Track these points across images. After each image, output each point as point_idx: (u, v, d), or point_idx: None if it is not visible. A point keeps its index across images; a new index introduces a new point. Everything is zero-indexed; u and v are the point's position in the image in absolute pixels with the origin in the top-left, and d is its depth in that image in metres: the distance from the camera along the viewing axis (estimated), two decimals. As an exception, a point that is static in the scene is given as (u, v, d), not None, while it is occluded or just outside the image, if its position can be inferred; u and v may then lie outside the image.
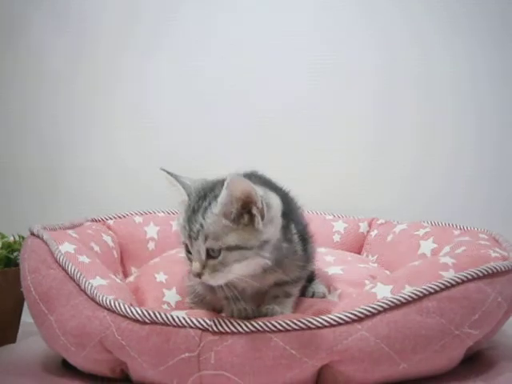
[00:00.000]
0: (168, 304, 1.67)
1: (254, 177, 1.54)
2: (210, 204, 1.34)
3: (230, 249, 1.32)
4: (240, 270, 1.34)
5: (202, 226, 1.32)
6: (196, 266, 1.33)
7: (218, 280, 1.34)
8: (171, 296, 1.69)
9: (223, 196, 1.30)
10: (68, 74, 2.41)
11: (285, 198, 1.50)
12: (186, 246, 1.37)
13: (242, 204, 1.31)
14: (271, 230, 1.35)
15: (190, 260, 1.36)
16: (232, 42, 2.36)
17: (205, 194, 1.37)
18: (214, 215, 1.32)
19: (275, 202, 1.37)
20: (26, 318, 1.70)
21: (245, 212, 1.32)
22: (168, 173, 1.44)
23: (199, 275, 1.34)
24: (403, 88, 2.32)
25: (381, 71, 2.31)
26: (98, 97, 2.41)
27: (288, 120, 2.33)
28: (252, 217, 1.32)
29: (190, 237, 1.34)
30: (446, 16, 2.27)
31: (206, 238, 1.32)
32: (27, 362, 1.65)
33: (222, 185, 1.32)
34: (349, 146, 2.33)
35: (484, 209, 2.25)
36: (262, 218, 1.32)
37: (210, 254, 1.33)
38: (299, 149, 2.34)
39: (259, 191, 1.31)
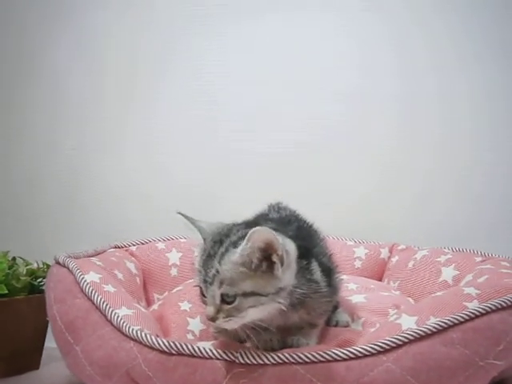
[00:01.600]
0: (192, 333, 1.67)
1: (278, 210, 1.55)
2: (226, 250, 1.34)
3: (245, 295, 1.32)
4: (255, 315, 1.35)
5: (217, 271, 1.33)
6: (210, 310, 1.34)
7: (232, 325, 1.35)
8: (195, 325, 1.69)
9: (244, 247, 1.31)
10: (82, 101, 2.46)
11: (308, 230, 1.51)
12: (201, 289, 1.38)
13: (263, 253, 1.32)
14: (288, 276, 1.36)
15: (205, 303, 1.37)
16: (248, 68, 2.39)
17: (220, 240, 1.37)
18: (231, 263, 1.32)
19: (292, 247, 1.38)
20: (50, 343, 1.72)
21: (264, 259, 1.33)
22: (184, 216, 1.46)
23: (213, 319, 1.34)
24: (421, 112, 2.32)
25: (400, 98, 2.32)
26: (111, 123, 2.46)
27: (306, 146, 2.35)
28: (271, 264, 1.33)
29: (205, 281, 1.35)
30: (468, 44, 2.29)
31: (221, 284, 1.33)
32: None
33: (238, 230, 1.35)
34: (367, 170, 2.34)
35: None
36: (282, 264, 1.33)
37: (225, 300, 1.33)
38: (315, 173, 2.35)
39: (280, 239, 1.32)
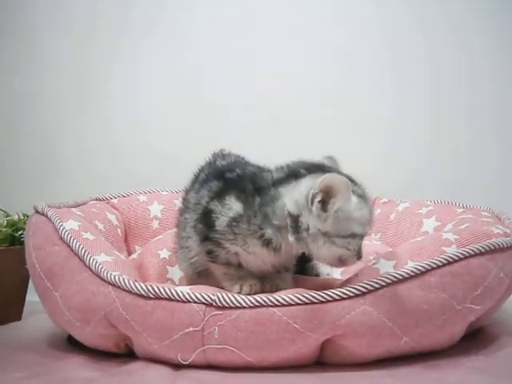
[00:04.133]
0: (171, 280, 1.69)
1: (223, 157, 1.66)
2: None
3: None
4: None
5: None
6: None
7: None
8: (174, 272, 1.71)
9: None
10: (70, 57, 2.43)
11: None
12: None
13: None
14: None
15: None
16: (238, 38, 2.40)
17: None
18: None
19: None
20: (32, 297, 1.72)
21: None
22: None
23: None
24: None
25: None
26: (95, 81, 2.44)
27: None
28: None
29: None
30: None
31: None
32: (32, 338, 1.68)
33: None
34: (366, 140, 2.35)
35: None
36: None
37: None
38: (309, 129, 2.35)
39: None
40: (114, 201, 1.98)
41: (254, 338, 1.33)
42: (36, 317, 1.84)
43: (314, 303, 1.34)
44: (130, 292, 1.39)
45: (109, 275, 1.43)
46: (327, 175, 1.36)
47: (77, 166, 2.40)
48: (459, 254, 1.42)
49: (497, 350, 1.46)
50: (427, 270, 1.40)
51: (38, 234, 1.60)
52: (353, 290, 1.36)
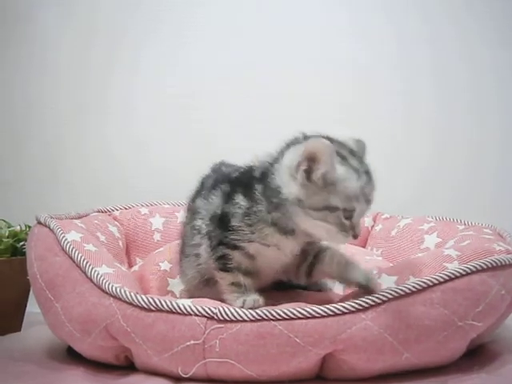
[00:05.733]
0: (172, 293, 1.69)
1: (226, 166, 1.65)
2: None
3: None
4: None
5: None
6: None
7: None
8: (175, 285, 1.70)
9: None
10: (71, 68, 2.43)
11: None
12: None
13: None
14: None
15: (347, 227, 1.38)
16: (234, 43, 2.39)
17: None
18: None
19: None
20: (32, 308, 1.72)
21: None
22: None
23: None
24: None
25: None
26: (97, 86, 2.44)
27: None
28: None
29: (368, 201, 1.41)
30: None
31: None
32: (32, 349, 1.67)
33: None
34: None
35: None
36: None
37: None
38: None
39: None
40: (116, 213, 1.98)
41: (255, 352, 1.32)
42: (36, 328, 1.83)
43: (316, 317, 1.34)
44: (131, 304, 1.39)
45: (110, 287, 1.43)
46: (310, 140, 1.36)
47: (79, 177, 2.39)
48: (461, 271, 1.42)
49: (498, 367, 1.45)
50: (429, 286, 1.39)
51: (39, 244, 1.60)
52: (354, 305, 1.36)
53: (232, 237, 1.44)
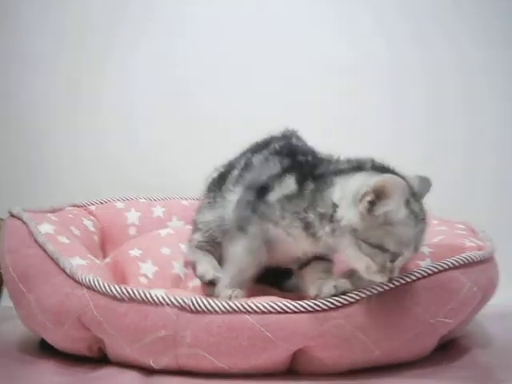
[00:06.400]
0: (145, 276, 1.67)
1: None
2: None
3: None
4: None
5: None
6: None
7: None
8: (147, 268, 1.69)
9: None
10: (51, 60, 2.40)
11: None
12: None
13: None
14: None
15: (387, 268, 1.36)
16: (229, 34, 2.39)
17: None
18: None
19: None
20: (4, 302, 1.72)
21: None
22: None
23: None
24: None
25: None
26: (82, 84, 2.40)
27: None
28: None
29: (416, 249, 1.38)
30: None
31: None
32: (4, 343, 1.66)
33: None
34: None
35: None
36: None
37: None
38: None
39: None
40: (92, 207, 1.97)
41: (226, 344, 1.33)
42: (9, 322, 1.81)
43: (288, 313, 1.34)
44: (104, 294, 1.39)
45: (83, 278, 1.42)
46: (386, 176, 1.31)
47: (54, 171, 2.37)
48: (433, 268, 1.43)
49: (468, 362, 1.48)
50: (402, 284, 1.40)
51: (12, 237, 1.59)
52: (327, 303, 1.36)
53: (264, 209, 1.46)
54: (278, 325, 1.33)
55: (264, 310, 1.34)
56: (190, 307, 1.35)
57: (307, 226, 1.42)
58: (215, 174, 1.73)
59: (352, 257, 1.36)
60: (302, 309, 1.35)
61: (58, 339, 1.48)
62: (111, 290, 1.39)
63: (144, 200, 2.05)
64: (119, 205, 2.00)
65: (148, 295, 1.37)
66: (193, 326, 1.33)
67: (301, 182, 1.44)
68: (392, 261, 1.34)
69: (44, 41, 2.40)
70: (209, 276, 1.55)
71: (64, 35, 2.40)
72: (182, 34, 2.38)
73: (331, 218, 1.37)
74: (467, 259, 1.47)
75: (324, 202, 1.39)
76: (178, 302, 1.35)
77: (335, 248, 1.41)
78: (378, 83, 2.35)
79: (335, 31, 2.38)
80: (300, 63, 2.36)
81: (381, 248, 1.32)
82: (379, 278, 1.35)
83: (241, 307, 1.34)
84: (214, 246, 1.66)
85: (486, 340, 1.62)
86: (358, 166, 1.42)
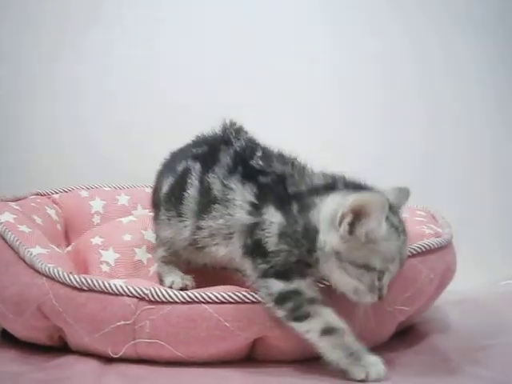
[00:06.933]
0: (107, 263, 1.69)
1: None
2: None
3: None
4: None
5: None
6: None
7: None
8: (109, 255, 1.70)
9: None
10: (12, 46, 2.36)
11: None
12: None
13: None
14: None
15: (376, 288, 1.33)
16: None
17: None
18: None
19: None
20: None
21: None
22: None
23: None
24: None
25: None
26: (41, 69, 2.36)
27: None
28: None
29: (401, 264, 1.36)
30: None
31: None
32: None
33: None
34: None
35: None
36: None
37: None
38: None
39: None
40: (56, 196, 1.96)
41: (185, 334, 1.34)
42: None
43: (246, 303, 1.36)
44: (63, 284, 1.39)
45: (43, 267, 1.42)
46: (362, 194, 1.28)
47: (16, 160, 2.34)
48: (391, 256, 1.44)
49: (426, 347, 1.51)
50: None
51: (-30, 226, 1.58)
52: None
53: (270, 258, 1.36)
54: (236, 315, 1.34)
55: (222, 299, 1.35)
56: (148, 297, 1.35)
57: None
58: (166, 188, 1.58)
59: (339, 281, 1.33)
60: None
61: (18, 328, 1.48)
62: (71, 280, 1.39)
63: (109, 188, 2.04)
64: (83, 193, 2.00)
65: (107, 285, 1.37)
66: (152, 316, 1.34)
67: (283, 208, 1.37)
68: (379, 279, 1.31)
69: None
70: (177, 286, 1.51)
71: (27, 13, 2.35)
72: (134, 22, 2.34)
73: (313, 242, 1.33)
74: (425, 247, 1.49)
75: (310, 226, 1.34)
76: (137, 291, 1.36)
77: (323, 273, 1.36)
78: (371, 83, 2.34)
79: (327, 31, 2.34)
80: (283, 55, 2.32)
81: (367, 268, 1.30)
82: (369, 299, 1.33)
83: (200, 297, 1.35)
84: (177, 257, 1.60)
85: (444, 325, 1.63)
86: (330, 184, 1.38)
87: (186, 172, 1.52)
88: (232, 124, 1.58)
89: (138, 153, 2.24)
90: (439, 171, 2.26)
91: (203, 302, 1.35)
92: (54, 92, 2.34)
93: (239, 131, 1.57)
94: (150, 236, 1.77)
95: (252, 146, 1.52)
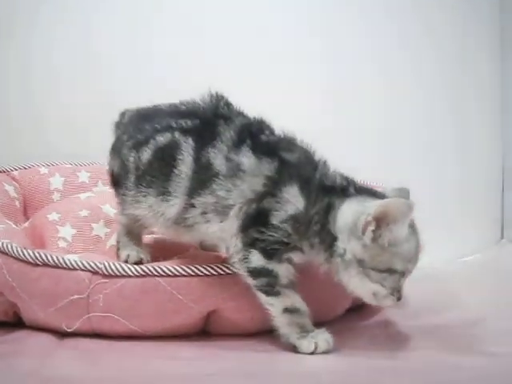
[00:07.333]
0: (64, 239, 1.70)
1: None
2: None
3: None
4: None
5: None
6: None
7: None
8: (66, 231, 1.72)
9: None
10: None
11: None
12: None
13: None
14: None
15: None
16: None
17: None
18: None
19: None
20: None
21: None
22: None
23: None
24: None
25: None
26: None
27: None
28: None
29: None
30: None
31: None
32: None
33: None
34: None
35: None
36: None
37: None
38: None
39: None
40: (15, 173, 1.95)
41: (139, 307, 1.35)
42: None
43: (199, 276, 1.37)
44: (17, 259, 1.39)
45: (-3, 242, 1.42)
46: (385, 201, 1.27)
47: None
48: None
49: (377, 322, 1.55)
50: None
51: None
52: (237, 267, 1.39)
53: (269, 232, 1.33)
54: (189, 288, 1.36)
55: (176, 273, 1.36)
56: (102, 271, 1.36)
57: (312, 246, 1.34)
58: (139, 161, 1.47)
59: (358, 287, 1.31)
60: (214, 272, 1.38)
61: (-27, 304, 1.48)
62: (24, 255, 1.39)
63: (69, 165, 2.04)
64: (43, 170, 1.99)
65: (61, 260, 1.38)
66: (105, 290, 1.35)
67: (307, 195, 1.33)
68: (399, 280, 1.31)
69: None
70: (132, 260, 1.49)
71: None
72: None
73: (329, 251, 1.31)
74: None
75: (325, 227, 1.32)
76: (90, 266, 1.37)
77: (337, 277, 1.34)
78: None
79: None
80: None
81: (390, 271, 1.29)
82: (389, 302, 1.33)
83: (153, 270, 1.36)
84: (139, 228, 1.57)
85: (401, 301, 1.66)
86: (345, 186, 1.35)
87: (173, 147, 1.42)
88: (220, 97, 1.50)
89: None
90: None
91: (156, 276, 1.36)
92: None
93: (229, 105, 1.49)
94: (109, 210, 1.78)
95: (258, 121, 1.45)
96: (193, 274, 1.37)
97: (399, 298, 1.33)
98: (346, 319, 1.52)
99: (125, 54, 2.25)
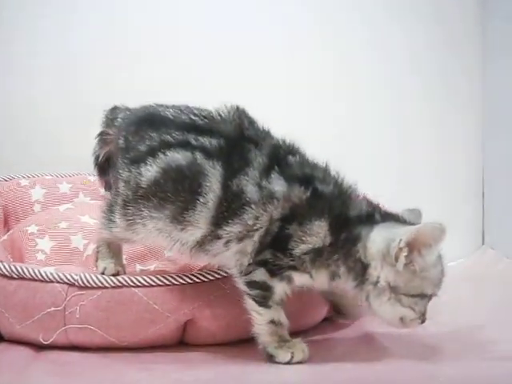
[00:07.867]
0: (42, 251, 1.71)
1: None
2: None
3: None
4: None
5: None
6: None
7: None
8: (44, 243, 1.73)
9: None
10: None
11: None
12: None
13: None
14: None
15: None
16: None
17: None
18: None
19: None
20: None
21: None
22: None
23: None
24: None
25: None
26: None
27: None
28: None
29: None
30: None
31: None
32: None
33: None
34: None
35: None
36: None
37: None
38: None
39: None
40: (-5, 185, 1.96)
41: (115, 318, 1.36)
42: None
43: (175, 285, 1.38)
44: (-7, 272, 1.40)
45: (-27, 256, 1.43)
46: (416, 227, 1.26)
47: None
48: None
49: (353, 330, 1.56)
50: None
51: None
52: (213, 274, 1.40)
53: (288, 261, 1.30)
54: (165, 297, 1.37)
55: (151, 283, 1.37)
56: (78, 283, 1.37)
57: (333, 275, 1.32)
58: (150, 173, 1.36)
59: (387, 312, 1.31)
60: (190, 281, 1.39)
61: (-51, 318, 1.48)
62: (0, 269, 1.40)
63: (50, 177, 2.04)
64: (24, 182, 2.00)
65: (37, 272, 1.39)
66: (82, 302, 1.36)
67: (334, 231, 1.30)
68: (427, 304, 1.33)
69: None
70: (109, 272, 1.45)
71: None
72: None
73: (360, 278, 1.30)
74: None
75: (353, 257, 1.30)
76: (67, 278, 1.38)
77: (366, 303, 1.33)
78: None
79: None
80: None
81: (421, 296, 1.29)
82: (416, 325, 1.33)
83: (129, 281, 1.37)
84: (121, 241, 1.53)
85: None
86: (370, 212, 1.33)
87: (196, 171, 1.33)
88: (241, 111, 1.41)
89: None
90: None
91: (132, 286, 1.37)
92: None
93: (253, 124, 1.41)
94: (88, 220, 1.79)
95: (287, 144, 1.39)
96: (168, 283, 1.38)
97: (423, 321, 1.33)
98: (322, 328, 1.54)
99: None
